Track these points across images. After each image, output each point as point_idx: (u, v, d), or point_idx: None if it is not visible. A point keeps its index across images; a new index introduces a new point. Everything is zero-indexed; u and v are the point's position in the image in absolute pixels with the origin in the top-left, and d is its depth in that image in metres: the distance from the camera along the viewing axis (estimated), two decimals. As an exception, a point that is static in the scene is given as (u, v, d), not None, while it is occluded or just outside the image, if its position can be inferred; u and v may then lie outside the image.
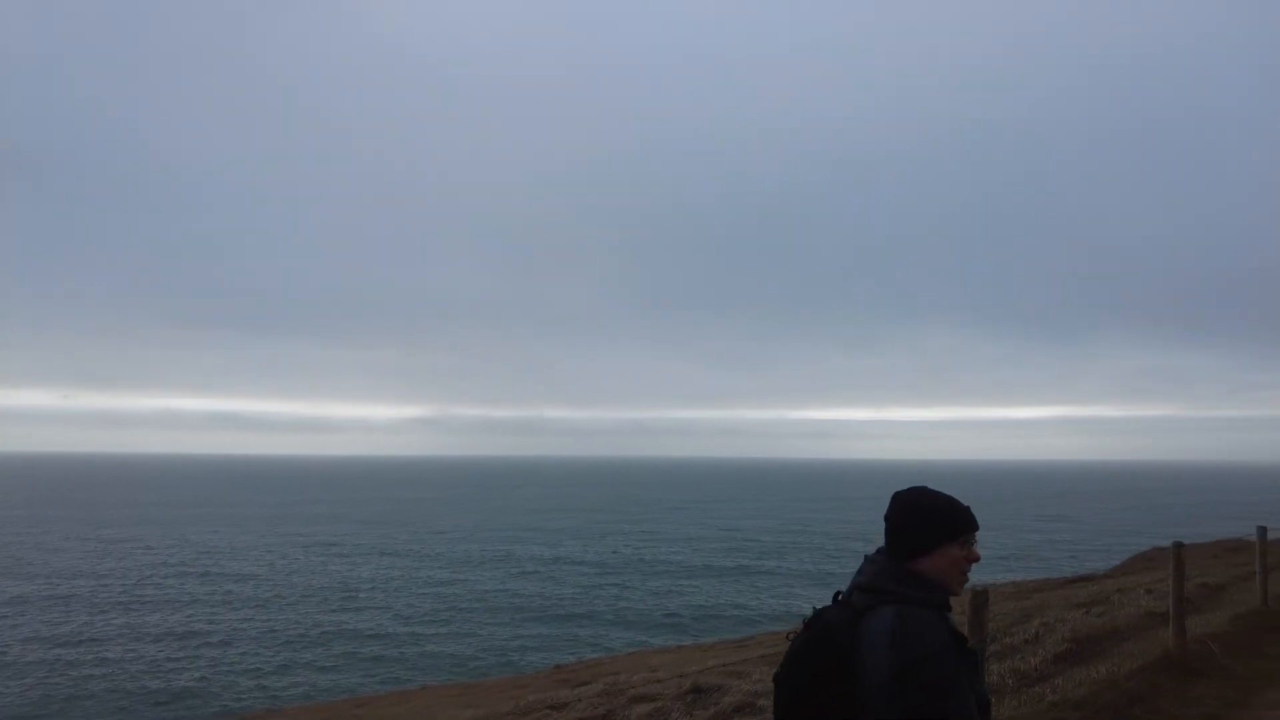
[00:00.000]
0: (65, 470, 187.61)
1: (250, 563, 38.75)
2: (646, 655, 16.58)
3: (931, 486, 2.58)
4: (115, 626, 24.99)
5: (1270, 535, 11.31)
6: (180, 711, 17.57)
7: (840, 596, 2.47)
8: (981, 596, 5.15)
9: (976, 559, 2.52)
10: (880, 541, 2.56)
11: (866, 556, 2.52)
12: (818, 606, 2.48)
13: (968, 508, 2.54)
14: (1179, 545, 8.78)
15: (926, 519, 2.46)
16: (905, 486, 2.61)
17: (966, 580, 2.54)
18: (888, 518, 2.53)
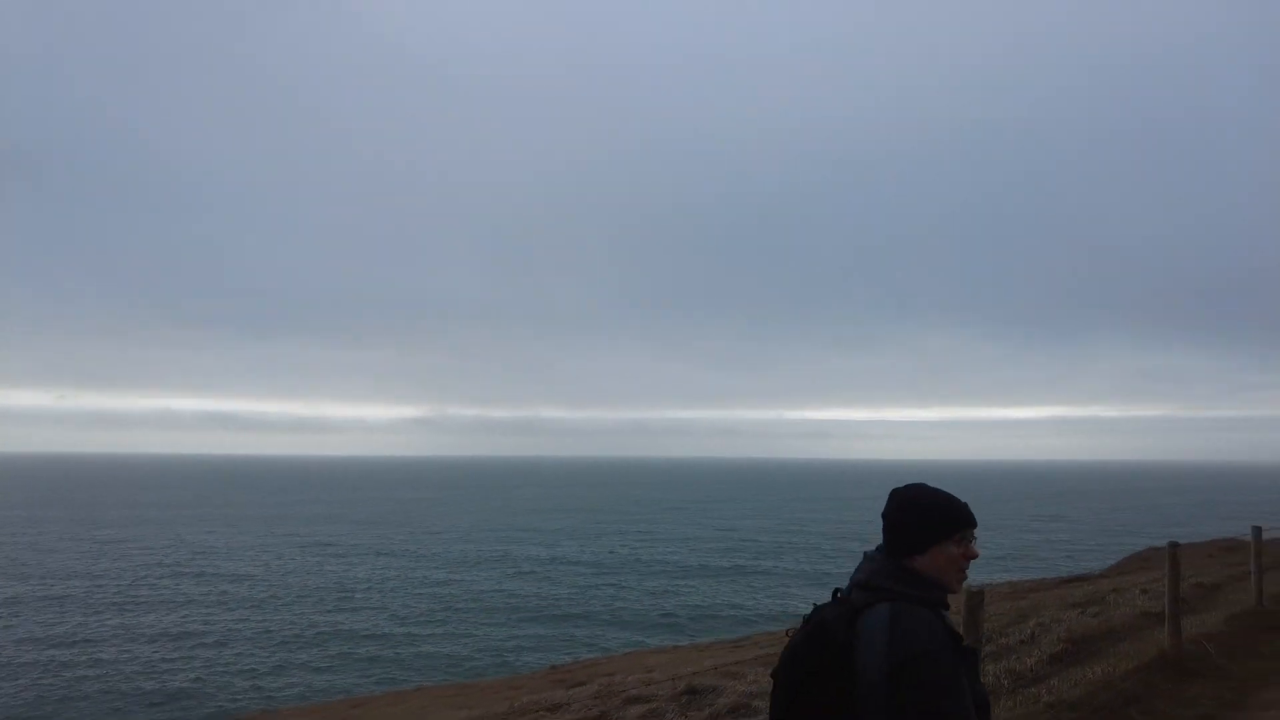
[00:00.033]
0: (63, 471, 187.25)
1: (246, 563, 38.67)
2: (643, 655, 16.57)
3: (929, 484, 2.56)
4: (110, 627, 24.91)
5: (1266, 535, 11.32)
6: (175, 712, 17.51)
7: (839, 594, 2.46)
8: (977, 597, 5.13)
9: (974, 556, 2.50)
10: (877, 541, 2.54)
11: (866, 554, 2.51)
12: (819, 604, 2.46)
13: (965, 504, 2.52)
14: (1174, 545, 8.77)
15: (923, 516, 2.45)
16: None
17: (965, 578, 2.52)
18: (885, 515, 2.51)
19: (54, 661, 21.07)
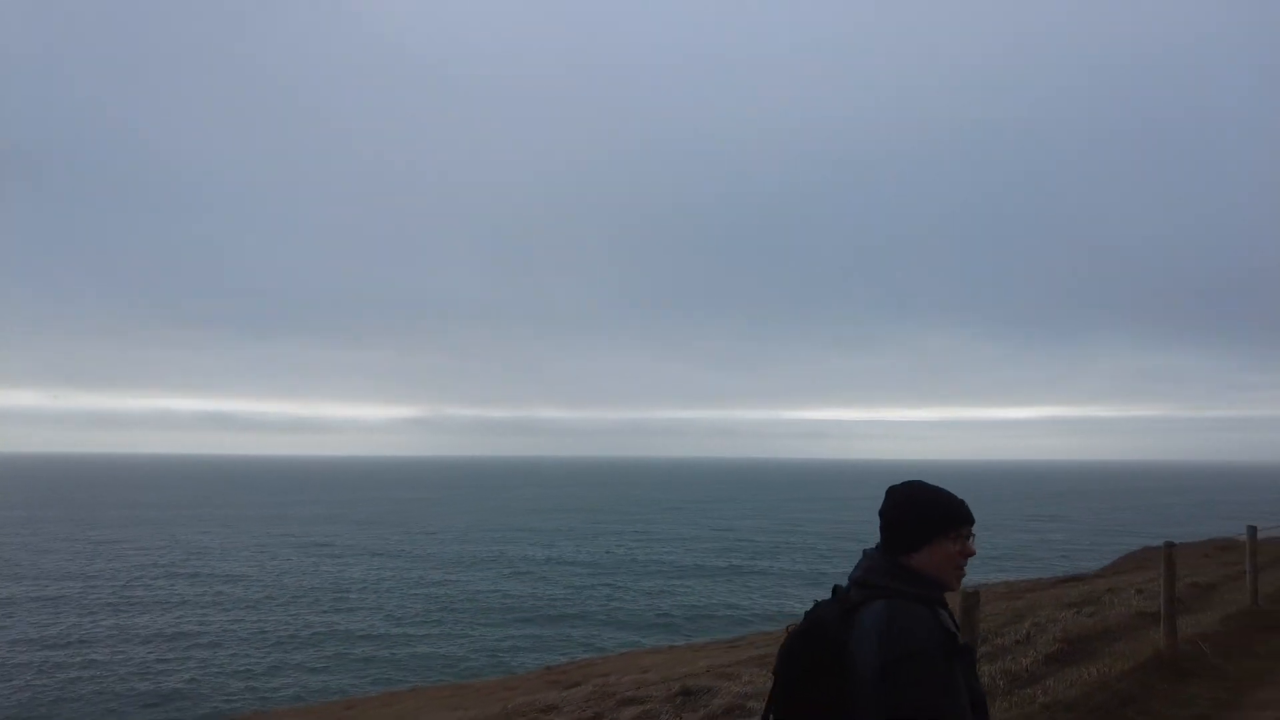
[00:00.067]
0: (61, 471, 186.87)
1: (241, 564, 38.58)
2: (638, 656, 16.52)
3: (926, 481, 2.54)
4: (104, 628, 24.83)
5: (1261, 534, 11.32)
6: (170, 713, 17.44)
7: (838, 591, 2.45)
8: (973, 598, 5.11)
9: (972, 554, 2.49)
10: (874, 541, 2.54)
11: (865, 551, 2.50)
12: (819, 601, 2.45)
13: (962, 501, 2.51)
14: (1170, 545, 8.76)
15: (920, 513, 2.44)
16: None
17: (963, 575, 2.51)
18: (882, 512, 2.51)
19: (48, 662, 20.98)
